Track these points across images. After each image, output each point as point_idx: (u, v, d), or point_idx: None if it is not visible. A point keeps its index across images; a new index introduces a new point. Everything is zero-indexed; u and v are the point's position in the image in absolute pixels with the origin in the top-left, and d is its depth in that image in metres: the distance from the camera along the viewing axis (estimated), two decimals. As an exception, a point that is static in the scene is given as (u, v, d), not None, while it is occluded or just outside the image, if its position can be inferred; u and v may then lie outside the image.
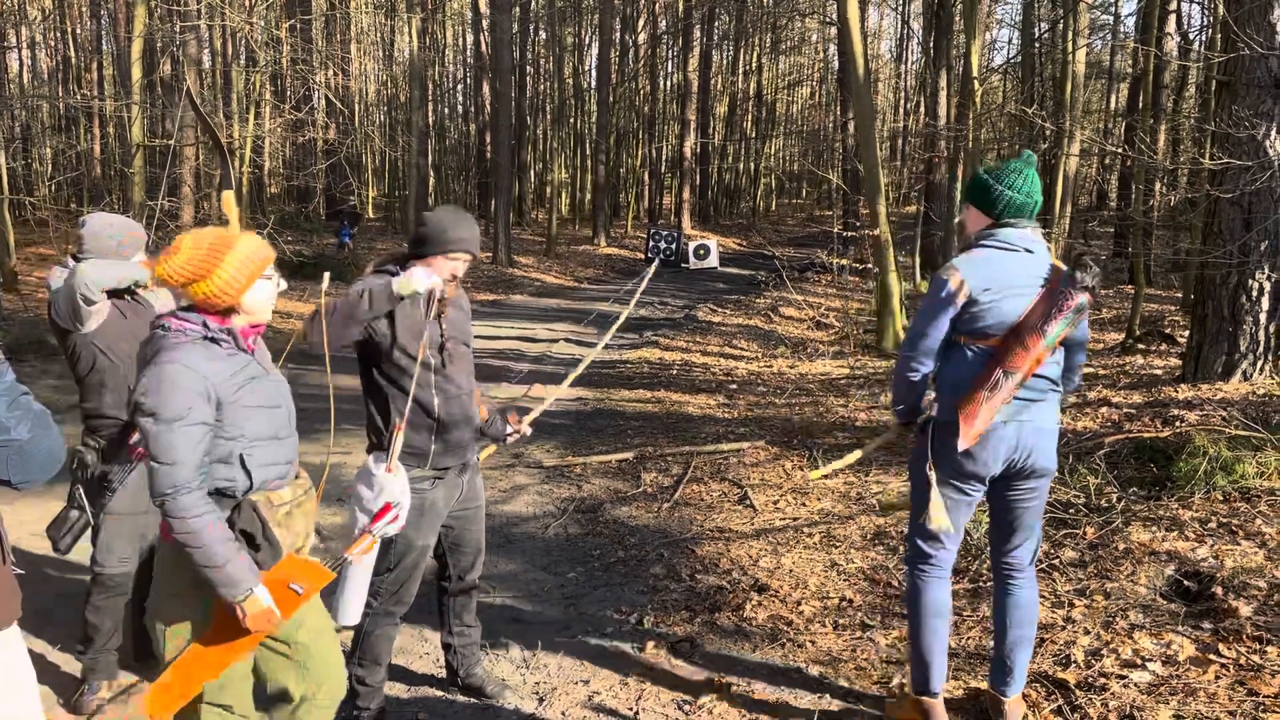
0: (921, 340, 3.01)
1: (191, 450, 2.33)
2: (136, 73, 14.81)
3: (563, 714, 3.50)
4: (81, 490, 3.35)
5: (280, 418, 2.57)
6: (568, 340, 12.91)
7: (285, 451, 2.58)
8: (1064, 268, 3.00)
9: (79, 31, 28.53)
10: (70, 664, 3.79)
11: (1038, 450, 3.02)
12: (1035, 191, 3.00)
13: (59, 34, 28.73)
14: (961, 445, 2.94)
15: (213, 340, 2.42)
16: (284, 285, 2.61)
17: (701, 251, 24.78)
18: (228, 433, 2.42)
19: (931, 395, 3.15)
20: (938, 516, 3.01)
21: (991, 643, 3.37)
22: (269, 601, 2.42)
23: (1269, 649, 3.49)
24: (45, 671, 3.72)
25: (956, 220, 3.28)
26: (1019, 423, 2.98)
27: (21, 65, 29.44)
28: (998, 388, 2.91)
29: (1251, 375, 6.76)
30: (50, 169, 20.45)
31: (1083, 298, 2.93)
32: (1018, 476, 3.06)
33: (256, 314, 2.52)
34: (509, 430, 3.49)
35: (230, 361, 2.44)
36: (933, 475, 3.02)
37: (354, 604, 3.13)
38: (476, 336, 3.46)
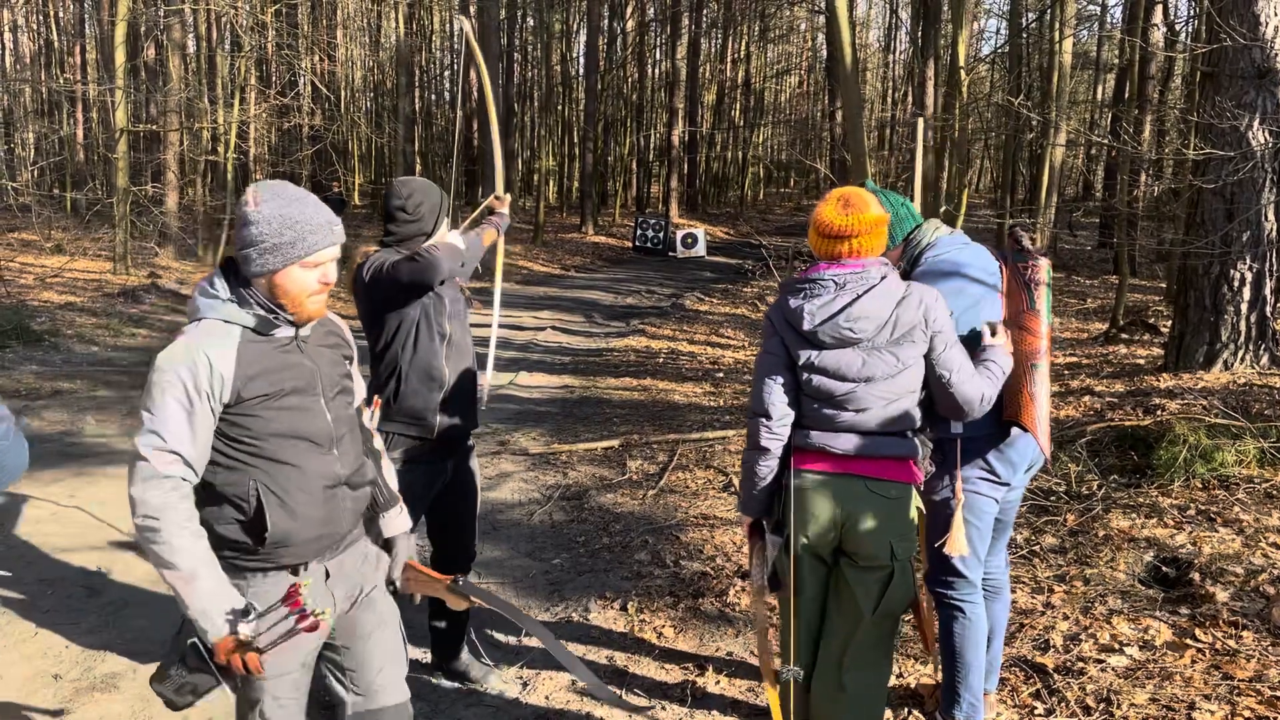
0: None
1: None
2: (120, 57, 14.70)
3: (546, 699, 3.52)
4: None
5: None
6: (554, 328, 12.90)
7: None
8: (1005, 249, 2.97)
9: (62, 15, 28.26)
10: (50, 653, 3.79)
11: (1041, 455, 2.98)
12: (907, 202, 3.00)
13: (41, 17, 28.45)
14: (1045, 449, 2.84)
15: None
16: None
17: (689, 240, 24.82)
18: None
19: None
20: (960, 542, 2.84)
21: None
22: None
23: (1244, 634, 3.54)
24: (29, 658, 3.72)
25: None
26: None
27: (3, 49, 29.15)
28: (1035, 381, 2.81)
29: (1232, 365, 6.82)
30: (33, 154, 20.28)
31: (1045, 261, 2.90)
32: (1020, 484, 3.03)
33: None
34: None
35: None
36: (960, 500, 2.84)
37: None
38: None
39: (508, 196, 4.02)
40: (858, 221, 2.56)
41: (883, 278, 2.58)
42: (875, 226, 2.59)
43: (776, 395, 2.64)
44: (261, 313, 2.11)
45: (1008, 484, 2.96)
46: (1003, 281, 2.93)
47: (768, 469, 2.68)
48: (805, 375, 2.62)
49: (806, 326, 2.58)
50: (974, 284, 2.87)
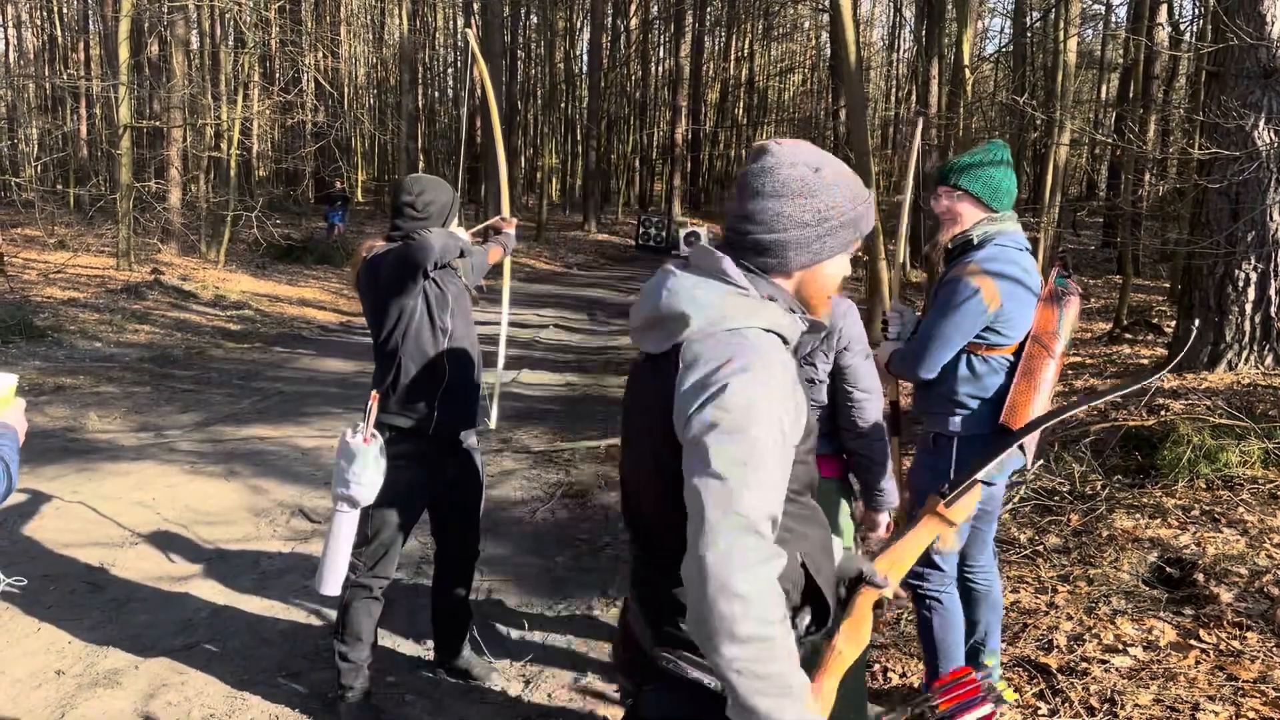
0: (944, 355, 2.83)
1: None
2: (124, 53, 14.70)
3: (549, 696, 3.52)
4: None
5: None
6: (557, 326, 12.90)
7: None
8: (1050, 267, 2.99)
9: (66, 10, 28.27)
10: (53, 649, 3.79)
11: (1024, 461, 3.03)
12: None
13: (45, 12, 28.46)
14: (1030, 458, 2.87)
15: None
16: None
17: (692, 238, 24.77)
18: None
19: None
20: (951, 538, 2.86)
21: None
22: None
23: (1249, 635, 3.53)
24: (32, 654, 3.73)
25: (942, 207, 2.96)
26: None
27: (7, 44, 29.17)
28: (1040, 396, 2.80)
29: (1237, 365, 6.81)
30: (36, 150, 20.29)
31: (1078, 293, 2.93)
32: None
33: None
34: None
35: None
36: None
37: (335, 574, 3.12)
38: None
39: (514, 219, 4.02)
40: None
41: None
42: None
43: None
44: (810, 319, 1.55)
45: (994, 483, 2.98)
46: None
47: None
48: None
49: None
50: (1025, 289, 2.86)
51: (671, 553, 1.50)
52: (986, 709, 1.54)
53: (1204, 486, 4.88)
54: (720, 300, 1.49)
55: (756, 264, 1.53)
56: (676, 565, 1.46)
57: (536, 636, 3.99)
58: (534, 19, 35.09)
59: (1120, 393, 2.60)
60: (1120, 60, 23.15)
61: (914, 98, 23.92)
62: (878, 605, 1.74)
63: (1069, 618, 3.80)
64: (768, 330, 1.49)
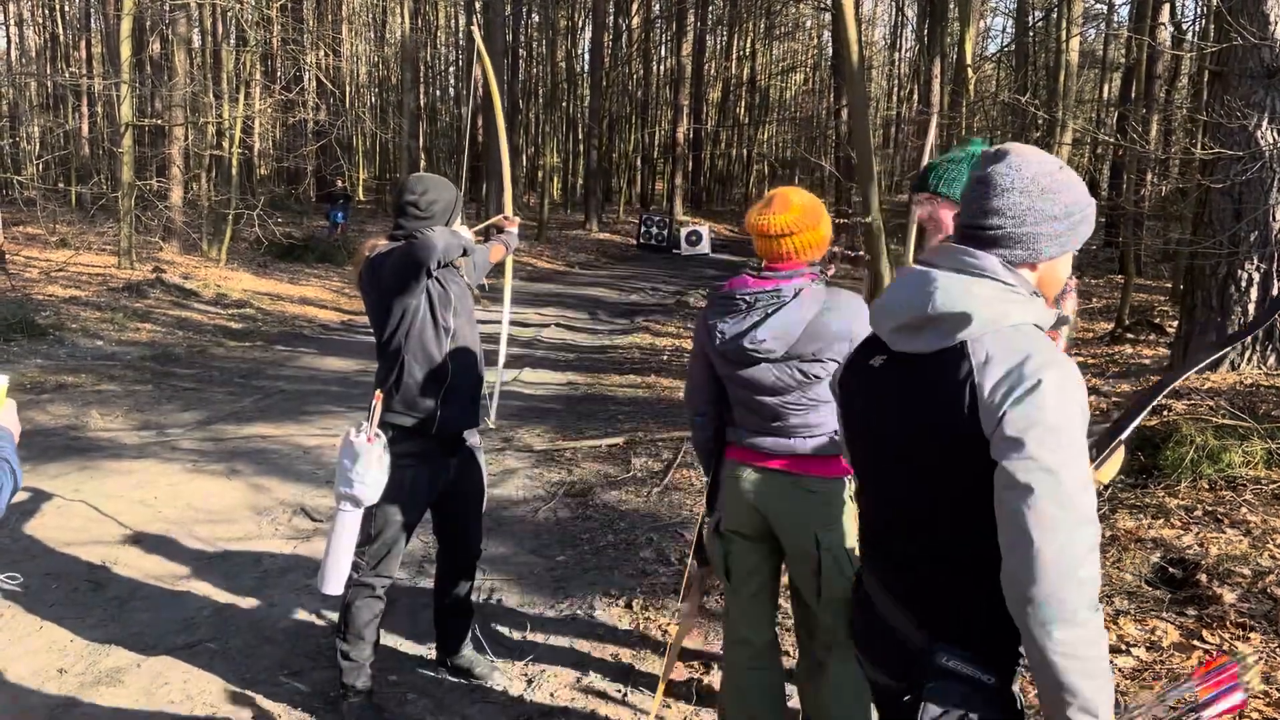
0: None
1: None
2: (126, 51, 14.71)
3: (551, 695, 3.52)
4: None
5: None
6: (558, 325, 12.89)
7: None
8: None
9: (68, 9, 28.28)
10: (55, 647, 3.79)
11: None
12: None
13: (47, 10, 28.48)
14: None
15: None
16: None
17: (693, 237, 24.81)
18: None
19: None
20: None
21: None
22: None
23: (1252, 635, 3.52)
24: (34, 652, 3.73)
25: (924, 214, 2.87)
26: None
27: (9, 42, 29.18)
28: None
29: (1239, 365, 6.80)
30: (38, 148, 20.30)
31: (1073, 282, 2.93)
32: None
33: None
34: None
35: None
36: None
37: (337, 573, 3.12)
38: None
39: (516, 218, 4.05)
40: (770, 223, 2.57)
41: (796, 293, 2.55)
42: (791, 228, 2.55)
43: (698, 394, 2.83)
44: (1058, 314, 1.66)
45: None
46: None
47: (701, 444, 2.89)
48: (726, 384, 2.72)
49: (717, 344, 2.66)
50: None
51: (952, 550, 1.61)
52: (1240, 696, 1.67)
53: (1207, 487, 4.87)
54: (997, 296, 1.55)
55: (1007, 257, 1.60)
56: (954, 562, 1.59)
57: (538, 636, 3.99)
58: (536, 17, 35.07)
59: (1199, 365, 2.53)
60: (1122, 60, 23.12)
61: (916, 97, 23.90)
62: None
63: (1072, 618, 3.79)
64: (1036, 325, 1.57)
